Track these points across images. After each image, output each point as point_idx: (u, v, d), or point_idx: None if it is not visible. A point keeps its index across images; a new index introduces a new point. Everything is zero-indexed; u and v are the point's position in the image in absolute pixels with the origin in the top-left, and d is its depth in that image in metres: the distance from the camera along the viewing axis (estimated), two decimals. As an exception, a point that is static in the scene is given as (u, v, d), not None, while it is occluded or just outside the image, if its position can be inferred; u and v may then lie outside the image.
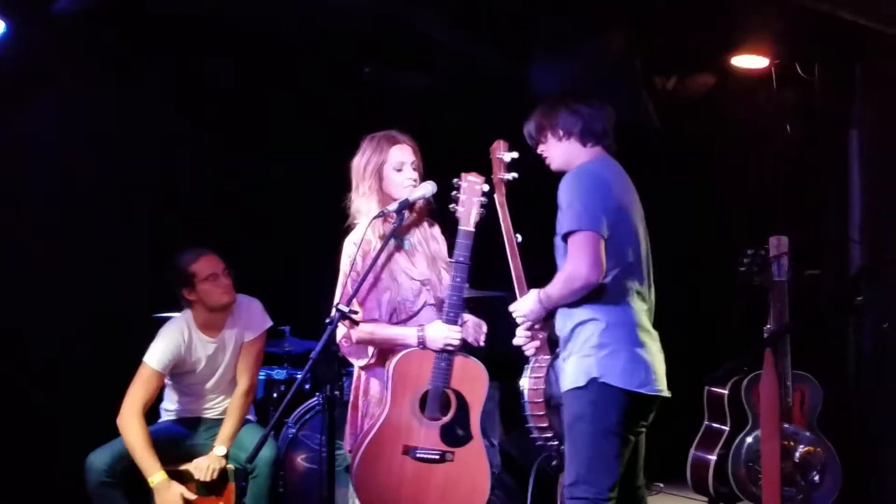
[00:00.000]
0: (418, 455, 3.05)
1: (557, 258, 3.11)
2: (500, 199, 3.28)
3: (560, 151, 3.18)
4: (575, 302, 3.01)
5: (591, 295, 2.98)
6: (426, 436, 3.06)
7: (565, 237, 3.00)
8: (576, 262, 2.95)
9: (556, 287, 3.03)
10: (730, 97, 5.63)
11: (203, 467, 3.89)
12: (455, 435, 3.06)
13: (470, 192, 3.24)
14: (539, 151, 3.25)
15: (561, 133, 3.15)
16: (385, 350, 3.29)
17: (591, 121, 3.14)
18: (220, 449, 3.94)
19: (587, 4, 4.76)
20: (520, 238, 3.23)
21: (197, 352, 4.05)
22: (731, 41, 5.04)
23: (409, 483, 3.03)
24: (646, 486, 3.31)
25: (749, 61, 5.15)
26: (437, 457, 3.03)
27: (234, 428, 4.00)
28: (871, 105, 5.00)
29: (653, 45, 5.18)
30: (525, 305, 3.13)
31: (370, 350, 3.32)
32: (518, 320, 3.15)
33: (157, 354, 3.94)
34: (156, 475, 3.79)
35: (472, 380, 3.12)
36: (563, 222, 3.01)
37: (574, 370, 2.99)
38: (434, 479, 3.03)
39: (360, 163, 3.35)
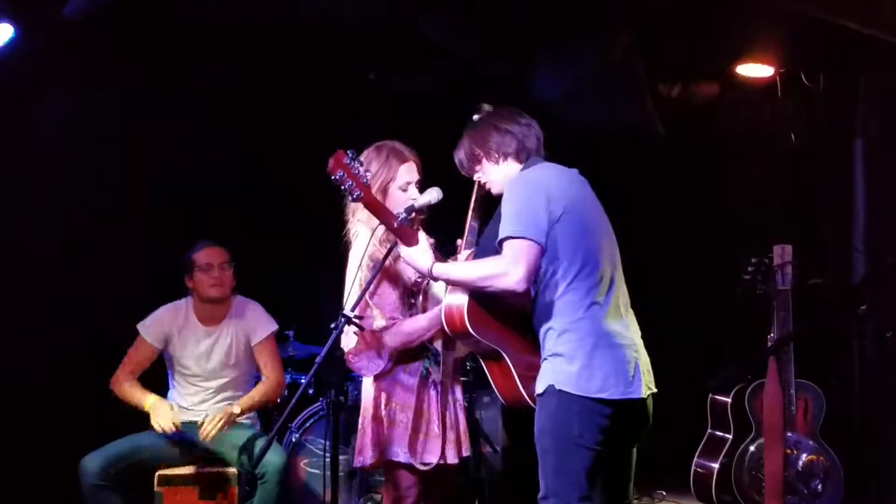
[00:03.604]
0: None
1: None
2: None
3: (499, 174, 3.13)
4: (538, 308, 2.94)
5: (548, 301, 2.91)
6: None
7: (501, 243, 2.91)
8: (511, 266, 2.85)
9: (469, 271, 2.95)
10: (734, 106, 5.63)
11: (212, 417, 3.95)
12: None
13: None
14: (475, 178, 3.21)
15: (496, 156, 3.12)
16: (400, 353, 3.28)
17: (523, 138, 3.11)
18: (235, 407, 4.03)
19: (592, 10, 4.77)
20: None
21: (190, 336, 4.15)
22: (737, 50, 5.04)
23: None
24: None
25: (754, 70, 5.16)
26: None
27: (255, 399, 4.11)
28: (876, 114, 5.00)
29: (658, 52, 5.19)
30: (418, 255, 3.05)
31: (381, 361, 3.28)
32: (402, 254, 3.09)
33: (146, 322, 4.17)
34: (148, 398, 3.99)
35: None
36: (503, 229, 2.92)
37: (539, 376, 2.94)
38: None
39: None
